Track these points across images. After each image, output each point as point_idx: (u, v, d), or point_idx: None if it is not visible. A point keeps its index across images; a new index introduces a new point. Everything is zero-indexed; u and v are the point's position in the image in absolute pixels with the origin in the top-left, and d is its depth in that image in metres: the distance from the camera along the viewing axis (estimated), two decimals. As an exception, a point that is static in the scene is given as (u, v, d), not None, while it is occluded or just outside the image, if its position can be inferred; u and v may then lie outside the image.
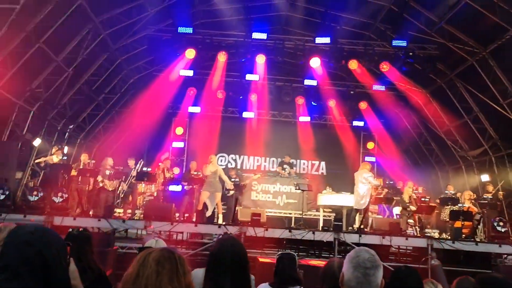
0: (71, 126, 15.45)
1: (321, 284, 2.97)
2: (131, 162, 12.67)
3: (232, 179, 13.54)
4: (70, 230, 3.83)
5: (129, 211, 12.59)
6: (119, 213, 12.41)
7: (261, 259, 8.62)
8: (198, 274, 2.65)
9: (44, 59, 12.34)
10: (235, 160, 17.98)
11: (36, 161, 12.88)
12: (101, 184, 12.12)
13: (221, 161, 17.58)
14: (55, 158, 12.29)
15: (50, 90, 13.35)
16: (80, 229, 3.87)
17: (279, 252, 3.61)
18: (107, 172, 12.19)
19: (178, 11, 13.83)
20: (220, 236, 3.40)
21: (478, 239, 10.82)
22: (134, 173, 12.63)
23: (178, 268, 1.59)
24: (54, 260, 1.42)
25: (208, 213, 11.53)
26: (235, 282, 2.35)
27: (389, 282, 2.37)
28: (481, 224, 11.92)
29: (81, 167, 12.10)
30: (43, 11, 10.93)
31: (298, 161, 17.93)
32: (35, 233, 1.45)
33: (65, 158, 12.72)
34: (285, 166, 15.66)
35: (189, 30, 14.09)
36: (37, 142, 13.19)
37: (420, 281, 2.84)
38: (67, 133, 15.42)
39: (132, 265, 1.60)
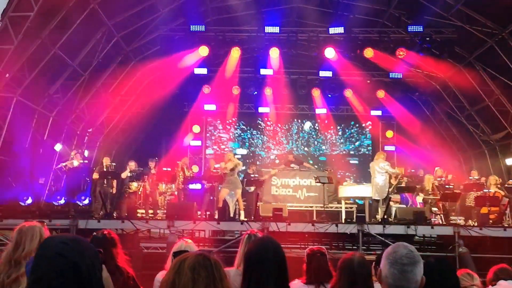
0: (89, 130, 15.58)
1: (339, 277, 2.91)
2: (152, 164, 12.74)
3: (252, 175, 13.52)
4: (94, 233, 3.81)
5: (151, 211, 12.67)
6: (141, 213, 12.52)
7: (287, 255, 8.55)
8: (229, 274, 2.60)
9: (60, 64, 12.47)
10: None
11: (58, 166, 13.03)
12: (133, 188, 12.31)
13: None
14: (76, 162, 12.42)
15: (68, 95, 13.49)
16: (105, 232, 3.85)
17: (309, 247, 3.52)
18: (129, 174, 12.31)
19: (190, 9, 13.81)
20: (253, 236, 3.32)
21: (505, 224, 10.61)
22: (153, 171, 12.70)
23: (215, 274, 1.55)
24: (89, 270, 1.38)
25: (231, 213, 11.52)
26: (278, 285, 2.29)
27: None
28: (508, 209, 11.67)
29: (104, 169, 12.20)
30: (57, 17, 11.02)
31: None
32: (67, 243, 1.41)
33: (86, 161, 12.83)
34: (292, 165, 15.40)
35: (202, 27, 14.05)
36: (58, 147, 13.35)
37: (454, 274, 2.65)
38: (86, 137, 15.56)
39: (168, 273, 1.57)
